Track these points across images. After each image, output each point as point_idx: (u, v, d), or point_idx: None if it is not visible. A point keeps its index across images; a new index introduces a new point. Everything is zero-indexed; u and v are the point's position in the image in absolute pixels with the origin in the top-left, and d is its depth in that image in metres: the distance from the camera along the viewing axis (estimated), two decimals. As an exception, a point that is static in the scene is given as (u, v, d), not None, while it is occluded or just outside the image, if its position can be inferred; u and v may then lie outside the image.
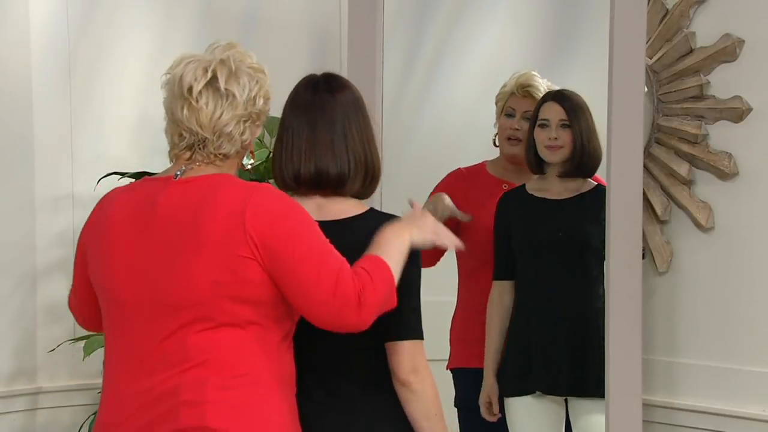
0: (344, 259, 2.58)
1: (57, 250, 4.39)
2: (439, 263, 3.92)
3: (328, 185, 2.77)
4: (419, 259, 2.75)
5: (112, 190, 2.75)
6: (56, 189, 4.41)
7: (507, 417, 3.84)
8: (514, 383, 3.83)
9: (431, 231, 2.72)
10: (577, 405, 3.80)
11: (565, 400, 3.83)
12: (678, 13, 3.89)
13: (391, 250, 2.63)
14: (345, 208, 2.79)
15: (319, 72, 2.86)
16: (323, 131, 2.77)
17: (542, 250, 3.82)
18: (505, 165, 4.03)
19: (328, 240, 2.59)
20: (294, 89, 2.84)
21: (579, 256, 3.78)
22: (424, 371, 2.72)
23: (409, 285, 2.73)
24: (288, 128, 2.80)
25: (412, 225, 2.70)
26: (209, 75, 2.63)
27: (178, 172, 2.65)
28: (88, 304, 2.78)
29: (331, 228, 2.69)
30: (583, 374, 3.75)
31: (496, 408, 3.85)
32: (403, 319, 2.70)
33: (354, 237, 2.71)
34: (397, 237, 2.66)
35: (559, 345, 3.77)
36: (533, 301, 3.83)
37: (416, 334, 2.72)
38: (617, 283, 3.67)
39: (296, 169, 2.77)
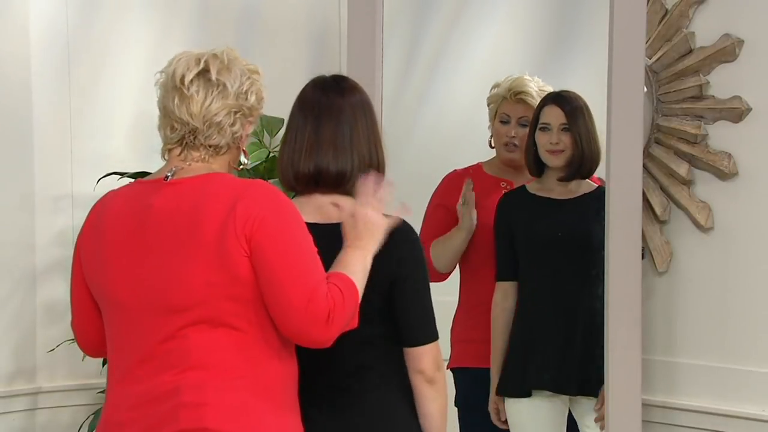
0: (324, 273, 2.56)
1: (56, 249, 4.39)
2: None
3: (327, 183, 2.75)
4: (427, 270, 2.83)
5: (105, 195, 2.74)
6: (56, 188, 4.42)
7: (508, 418, 3.83)
8: (514, 384, 3.82)
9: (380, 231, 2.70)
10: (582, 404, 3.80)
11: (569, 400, 3.82)
12: (678, 13, 3.89)
13: (358, 270, 2.63)
14: None
15: (324, 73, 2.86)
16: (328, 130, 2.76)
17: (546, 249, 3.80)
18: (501, 166, 4.03)
19: (314, 247, 2.58)
20: (302, 90, 2.83)
21: (582, 256, 3.77)
22: (443, 367, 2.85)
23: (425, 290, 2.81)
24: (293, 128, 2.80)
25: (367, 239, 2.67)
26: (201, 66, 2.64)
27: (169, 174, 2.64)
28: (90, 324, 2.75)
29: (329, 231, 2.68)
30: (588, 373, 3.74)
31: (503, 414, 3.84)
32: (427, 323, 2.81)
33: None
34: (363, 258, 2.65)
35: (563, 344, 3.76)
36: (536, 301, 3.81)
37: (437, 335, 2.83)
38: (617, 283, 3.66)
39: (296, 168, 2.77)
